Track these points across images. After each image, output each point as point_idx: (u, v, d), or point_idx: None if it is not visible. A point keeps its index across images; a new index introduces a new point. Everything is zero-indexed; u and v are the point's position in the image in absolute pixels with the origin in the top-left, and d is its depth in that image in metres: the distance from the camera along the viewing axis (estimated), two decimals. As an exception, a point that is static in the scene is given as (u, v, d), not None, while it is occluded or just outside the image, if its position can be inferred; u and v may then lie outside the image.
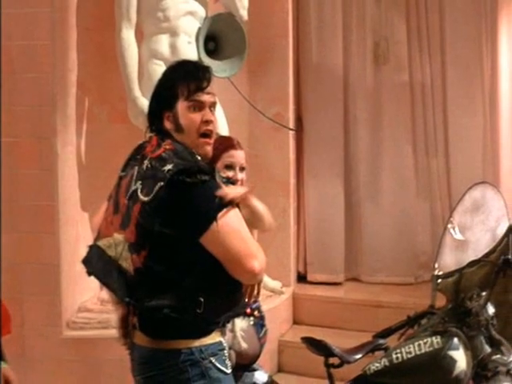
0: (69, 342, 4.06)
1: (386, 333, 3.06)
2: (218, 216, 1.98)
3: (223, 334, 2.20)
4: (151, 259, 2.03)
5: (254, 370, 2.87)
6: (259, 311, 2.84)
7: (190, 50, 4.22)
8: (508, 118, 5.36)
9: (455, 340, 2.76)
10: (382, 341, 3.06)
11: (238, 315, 2.61)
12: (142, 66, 4.21)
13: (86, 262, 2.22)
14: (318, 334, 3.60)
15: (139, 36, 4.25)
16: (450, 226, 3.12)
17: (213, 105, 2.20)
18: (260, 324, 2.83)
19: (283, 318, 5.03)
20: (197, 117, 2.15)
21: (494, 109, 5.39)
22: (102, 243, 2.16)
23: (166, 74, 2.26)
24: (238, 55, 4.42)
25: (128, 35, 4.17)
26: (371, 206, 5.57)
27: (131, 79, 4.14)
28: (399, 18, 5.49)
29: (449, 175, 5.55)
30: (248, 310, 2.75)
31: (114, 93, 4.40)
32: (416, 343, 2.79)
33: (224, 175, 2.53)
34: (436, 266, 3.07)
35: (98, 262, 2.16)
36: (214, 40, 4.38)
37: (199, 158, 2.12)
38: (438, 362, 2.75)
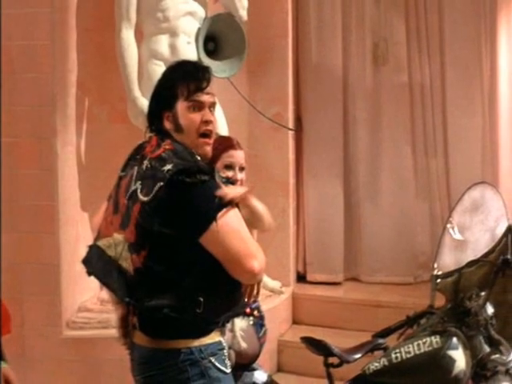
0: (69, 342, 4.07)
1: (386, 332, 3.06)
2: (217, 216, 1.98)
3: (223, 333, 2.20)
4: (151, 259, 2.03)
5: (254, 369, 2.87)
6: (259, 311, 2.84)
7: (189, 51, 4.22)
8: (507, 118, 5.36)
9: (454, 340, 2.76)
10: (381, 340, 3.06)
11: (237, 315, 2.61)
12: (141, 66, 4.21)
13: (86, 261, 2.23)
14: (317, 333, 3.61)
15: (139, 36, 4.26)
16: (449, 225, 3.12)
17: (212, 105, 2.21)
18: (259, 324, 2.83)
19: (283, 318, 5.04)
20: (196, 117, 2.16)
21: (493, 109, 5.39)
22: (101, 243, 2.16)
23: (165, 75, 2.26)
24: (237, 55, 4.42)
25: (128, 35, 4.17)
26: (370, 206, 5.58)
27: (131, 79, 4.14)
28: (398, 19, 5.49)
29: (448, 175, 5.56)
30: (247, 310, 2.75)
31: (113, 93, 4.40)
32: (415, 343, 2.80)
33: (223, 175, 2.53)
34: (435, 265, 3.08)
35: (97, 262, 2.17)
36: (214, 40, 4.38)
37: (199, 158, 2.13)
38: (438, 362, 2.75)
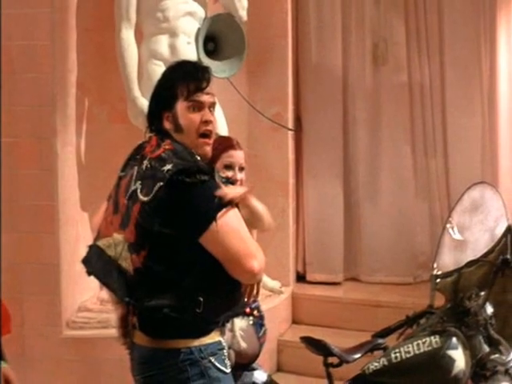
0: (69, 342, 4.07)
1: (385, 332, 3.06)
2: (217, 216, 1.98)
3: (222, 333, 2.21)
4: (151, 259, 2.03)
5: (254, 369, 2.87)
6: (258, 311, 2.85)
7: (189, 51, 4.22)
8: (506, 118, 5.36)
9: (454, 339, 2.76)
10: (380, 340, 3.06)
11: (237, 315, 2.62)
12: (141, 67, 4.21)
13: (86, 261, 2.23)
14: (317, 333, 3.61)
15: (139, 36, 4.26)
16: (448, 225, 3.12)
17: (212, 105, 2.21)
18: (259, 323, 2.83)
19: (282, 318, 5.04)
20: (196, 117, 2.16)
21: (492, 109, 5.39)
22: (101, 243, 2.16)
23: (165, 75, 2.26)
24: (237, 55, 4.42)
25: (127, 35, 4.17)
26: (370, 207, 5.58)
27: (131, 79, 4.14)
28: (398, 19, 5.49)
29: (447, 175, 5.56)
30: (247, 310, 2.75)
31: (113, 93, 4.40)
32: (415, 343, 2.80)
33: (223, 175, 2.53)
34: (435, 265, 3.08)
35: (97, 262, 2.17)
36: (214, 40, 4.38)
37: (198, 158, 2.13)
38: (437, 362, 2.75)
